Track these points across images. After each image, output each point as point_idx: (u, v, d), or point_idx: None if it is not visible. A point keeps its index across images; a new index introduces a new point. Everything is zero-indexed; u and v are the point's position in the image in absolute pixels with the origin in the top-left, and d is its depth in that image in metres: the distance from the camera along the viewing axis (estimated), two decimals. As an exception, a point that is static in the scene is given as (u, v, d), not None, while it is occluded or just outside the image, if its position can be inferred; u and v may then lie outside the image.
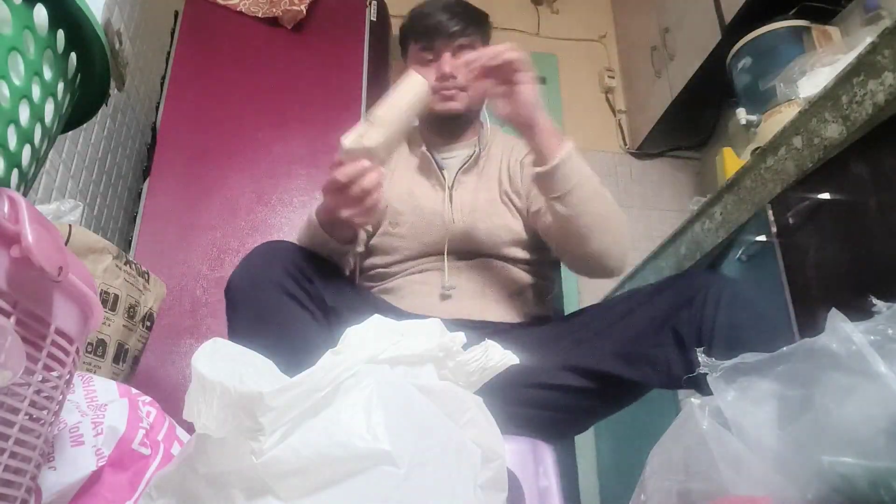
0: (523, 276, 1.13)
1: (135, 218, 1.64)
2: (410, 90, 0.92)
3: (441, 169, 1.19)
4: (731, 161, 1.85)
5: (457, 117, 1.19)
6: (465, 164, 1.19)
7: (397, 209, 1.14)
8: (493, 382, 0.68)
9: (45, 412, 0.49)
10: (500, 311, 1.09)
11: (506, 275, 1.11)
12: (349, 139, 0.87)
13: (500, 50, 0.92)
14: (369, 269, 1.17)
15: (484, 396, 0.62)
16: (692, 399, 0.53)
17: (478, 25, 1.18)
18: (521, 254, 1.12)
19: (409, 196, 1.15)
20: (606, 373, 0.91)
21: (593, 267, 1.01)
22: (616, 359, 0.90)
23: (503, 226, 1.12)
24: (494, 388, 0.70)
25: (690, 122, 2.69)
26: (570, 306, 2.70)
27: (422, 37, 1.17)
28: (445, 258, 1.10)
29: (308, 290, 0.91)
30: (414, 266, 1.11)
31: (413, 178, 1.20)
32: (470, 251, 1.11)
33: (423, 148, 1.21)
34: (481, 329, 0.99)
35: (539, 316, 1.13)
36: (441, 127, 1.22)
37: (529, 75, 0.93)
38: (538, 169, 0.94)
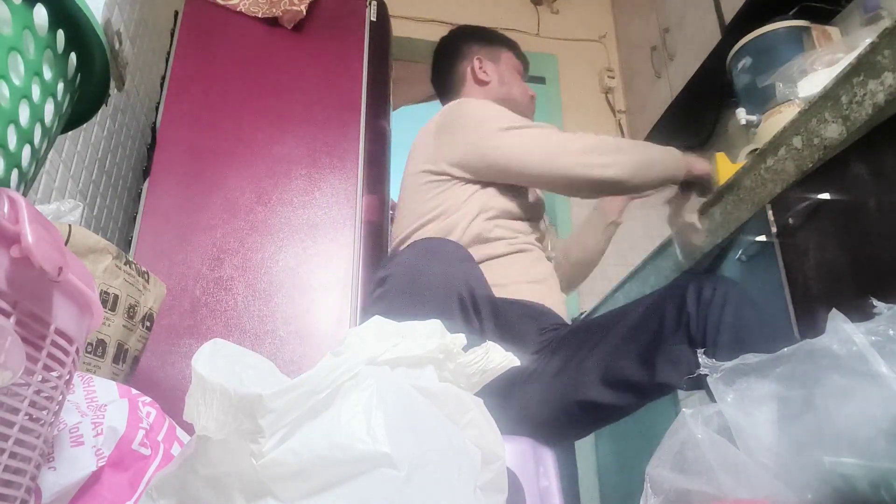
0: None
1: (135, 218, 1.63)
2: None
3: None
4: (723, 166, 1.84)
5: None
6: None
7: None
8: (520, 392, 0.70)
9: (44, 412, 0.49)
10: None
11: None
12: None
13: None
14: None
15: (496, 400, 0.62)
16: (684, 409, 0.53)
17: None
18: None
19: None
20: (637, 382, 0.93)
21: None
22: (642, 365, 0.92)
23: None
24: (519, 397, 0.71)
25: (690, 123, 2.69)
26: (569, 305, 2.69)
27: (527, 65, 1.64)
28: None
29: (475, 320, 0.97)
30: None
31: None
32: None
33: None
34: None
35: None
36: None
37: None
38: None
